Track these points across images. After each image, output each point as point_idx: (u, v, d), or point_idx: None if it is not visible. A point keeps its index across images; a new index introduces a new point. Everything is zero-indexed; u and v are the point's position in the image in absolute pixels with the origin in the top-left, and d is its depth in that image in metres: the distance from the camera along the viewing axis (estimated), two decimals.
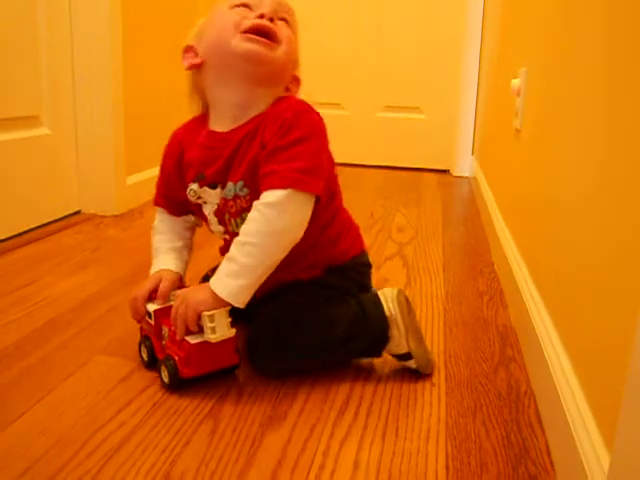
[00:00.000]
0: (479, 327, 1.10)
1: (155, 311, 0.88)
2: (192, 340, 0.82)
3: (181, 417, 0.77)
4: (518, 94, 1.32)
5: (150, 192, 1.94)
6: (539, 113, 1.14)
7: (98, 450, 0.70)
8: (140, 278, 1.26)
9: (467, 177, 2.67)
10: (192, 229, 1.04)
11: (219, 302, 0.82)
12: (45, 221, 1.62)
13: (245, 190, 0.88)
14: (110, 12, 1.67)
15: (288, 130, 0.84)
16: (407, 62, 2.70)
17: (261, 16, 0.87)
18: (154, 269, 0.96)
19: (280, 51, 0.88)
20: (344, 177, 2.85)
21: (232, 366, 0.88)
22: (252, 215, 0.83)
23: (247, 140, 0.88)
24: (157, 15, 1.98)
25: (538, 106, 1.16)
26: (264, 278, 0.84)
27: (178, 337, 0.83)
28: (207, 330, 0.82)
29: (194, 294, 0.83)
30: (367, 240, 1.53)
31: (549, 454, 0.74)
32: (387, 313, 0.91)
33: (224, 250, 0.94)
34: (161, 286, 0.91)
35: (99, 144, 1.73)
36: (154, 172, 1.98)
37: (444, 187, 2.48)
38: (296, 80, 0.97)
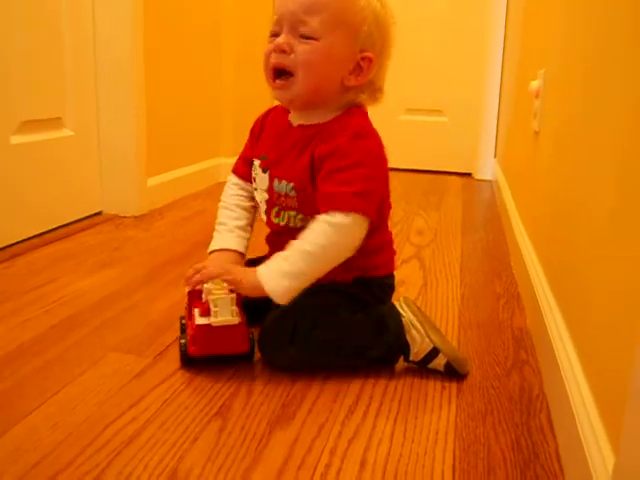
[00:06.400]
0: (494, 330, 1.09)
1: (189, 292, 0.92)
2: (199, 321, 0.87)
3: (190, 414, 0.78)
4: (537, 96, 1.30)
5: (170, 194, 1.99)
6: (558, 115, 1.13)
7: (108, 445, 0.71)
8: (159, 278, 1.28)
9: (489, 180, 2.65)
10: (255, 210, 1.06)
11: (259, 292, 0.85)
12: (67, 221, 1.65)
13: (294, 193, 0.93)
14: (132, 15, 1.69)
15: (342, 156, 0.88)
16: (429, 65, 2.69)
17: (275, 49, 0.89)
18: (220, 244, 1.00)
19: (298, 82, 0.89)
20: None
21: (242, 354, 0.90)
22: (316, 227, 0.87)
23: (301, 146, 0.93)
24: (179, 17, 2.01)
25: (557, 108, 1.14)
26: (309, 284, 0.88)
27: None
28: (212, 313, 0.86)
29: (248, 277, 0.87)
30: None
31: (559, 459, 0.73)
32: (403, 320, 0.92)
33: (270, 239, 1.03)
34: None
35: (121, 146, 1.76)
36: (175, 174, 2.04)
37: (466, 191, 2.46)
38: (358, 68, 0.91)
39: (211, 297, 0.86)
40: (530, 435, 0.77)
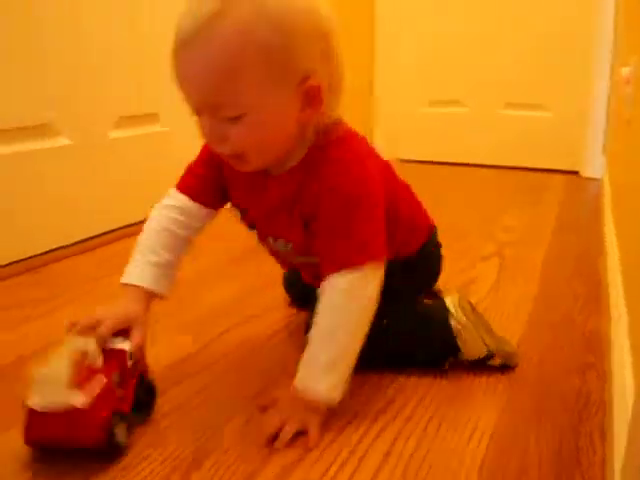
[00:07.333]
0: (563, 330, 1.03)
1: None
2: (28, 400, 0.63)
3: (230, 398, 0.81)
4: (628, 82, 1.21)
5: None
6: None
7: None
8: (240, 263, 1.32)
9: (597, 179, 2.48)
10: (190, 241, 0.86)
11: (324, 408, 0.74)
12: None
13: (293, 252, 0.84)
14: None
15: (332, 202, 0.75)
16: (530, 56, 2.55)
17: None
18: (137, 279, 0.79)
19: (251, 159, 0.74)
20: (461, 177, 2.79)
21: (97, 447, 0.64)
22: (327, 301, 0.74)
23: (289, 202, 0.79)
24: None
25: None
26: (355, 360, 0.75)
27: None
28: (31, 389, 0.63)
29: (308, 409, 0.73)
30: (468, 241, 1.48)
31: (603, 468, 0.68)
32: (452, 321, 0.86)
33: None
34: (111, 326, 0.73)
35: None
36: None
37: (568, 189, 2.32)
38: (308, 100, 0.72)
39: (34, 369, 0.62)
40: (576, 441, 0.73)
